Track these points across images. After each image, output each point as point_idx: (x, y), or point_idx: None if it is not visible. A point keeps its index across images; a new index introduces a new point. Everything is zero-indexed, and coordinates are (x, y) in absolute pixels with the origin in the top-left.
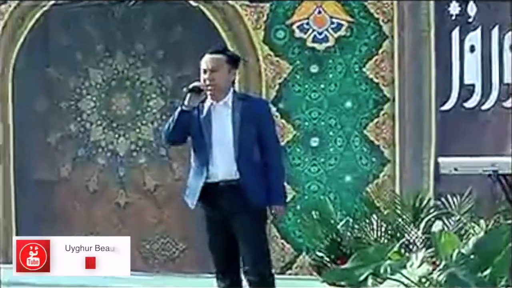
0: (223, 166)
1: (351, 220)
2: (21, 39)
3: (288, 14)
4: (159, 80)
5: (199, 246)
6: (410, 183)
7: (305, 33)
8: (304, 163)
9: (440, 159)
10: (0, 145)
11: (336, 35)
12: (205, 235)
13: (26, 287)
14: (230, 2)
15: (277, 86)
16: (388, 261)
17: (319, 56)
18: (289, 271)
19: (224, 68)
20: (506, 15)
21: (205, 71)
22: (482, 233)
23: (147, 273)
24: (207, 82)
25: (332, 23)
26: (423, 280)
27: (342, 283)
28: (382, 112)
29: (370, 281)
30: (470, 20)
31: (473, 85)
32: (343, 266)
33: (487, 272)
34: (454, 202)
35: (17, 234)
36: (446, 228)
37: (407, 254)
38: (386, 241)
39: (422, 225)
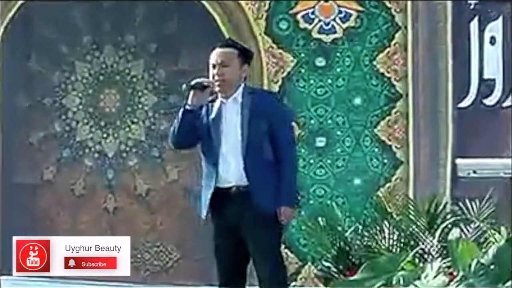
0: (233, 170)
1: (360, 227)
2: (0, 30)
3: (292, 3)
4: (151, 74)
5: (195, 255)
6: (425, 186)
7: (311, 23)
8: (309, 165)
9: (458, 161)
10: None
11: (344, 26)
12: (212, 243)
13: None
14: None
15: (280, 81)
16: (401, 272)
17: (326, 48)
18: (294, 283)
19: (235, 62)
20: None
21: (214, 66)
22: (503, 242)
23: (138, 285)
24: (216, 78)
25: (340, 12)
26: None
27: None
28: (394, 110)
29: None
30: (490, 9)
31: (493, 80)
32: (352, 278)
33: (508, 284)
34: (472, 208)
35: None
36: (464, 236)
37: (421, 264)
38: (398, 250)
39: (438, 233)
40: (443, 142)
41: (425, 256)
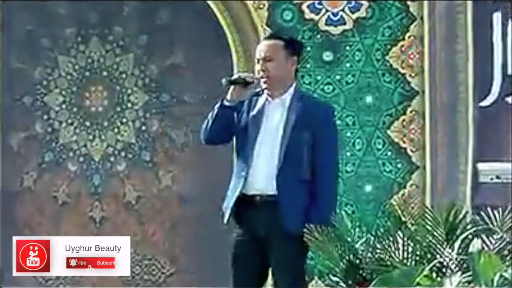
0: (263, 176)
1: (372, 238)
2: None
3: None
4: (142, 70)
5: (190, 268)
6: (443, 193)
7: (317, 14)
8: None
9: (479, 165)
10: None
11: (354, 17)
12: (230, 254)
13: None
14: None
15: None
16: (417, 287)
17: (334, 41)
18: None
19: (281, 55)
20: None
21: (258, 61)
22: None
23: None
24: (260, 74)
25: (350, 2)
26: None
27: None
28: (409, 109)
29: None
30: None
31: None
32: None
33: None
34: (495, 217)
35: None
36: (486, 248)
37: (439, 278)
38: (414, 263)
39: (457, 244)
40: (463, 145)
41: (443, 270)
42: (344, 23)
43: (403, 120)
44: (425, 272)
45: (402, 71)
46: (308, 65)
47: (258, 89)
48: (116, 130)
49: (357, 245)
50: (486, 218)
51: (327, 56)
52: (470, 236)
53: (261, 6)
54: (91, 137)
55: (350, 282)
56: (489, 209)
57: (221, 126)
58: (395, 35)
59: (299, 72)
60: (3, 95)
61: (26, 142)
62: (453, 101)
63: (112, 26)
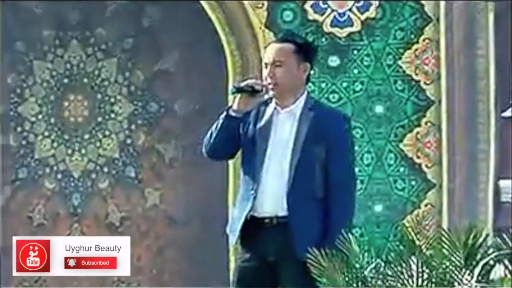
0: (272, 195)
1: (382, 263)
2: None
3: None
4: (127, 76)
5: None
6: (462, 214)
7: (322, 14)
8: None
9: (501, 183)
10: None
11: (362, 17)
12: (232, 280)
13: None
14: None
15: None
16: None
17: (340, 45)
18: None
19: (291, 60)
20: None
21: (266, 65)
22: None
23: None
24: (268, 80)
25: (358, 1)
26: None
27: None
28: (424, 120)
29: None
30: None
31: None
32: None
33: None
34: None
35: None
36: (508, 275)
37: None
38: None
39: (477, 270)
40: (484, 160)
41: None
42: (352, 25)
43: (417, 132)
44: None
45: (416, 78)
46: (312, 71)
47: (265, 98)
48: (98, 143)
49: (365, 272)
50: (508, 242)
51: (333, 61)
52: (491, 262)
53: (260, 5)
54: (70, 151)
55: None
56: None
57: (226, 138)
58: (408, 38)
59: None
60: None
61: None
62: (472, 111)
63: (93, 27)
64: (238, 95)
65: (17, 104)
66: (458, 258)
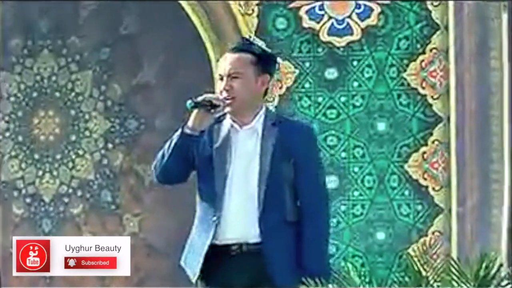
0: (240, 221)
1: None
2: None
3: None
4: (102, 91)
5: None
6: (473, 241)
7: (318, 21)
8: None
9: None
10: None
11: (363, 25)
12: None
13: None
14: None
15: (276, 99)
16: None
17: (339, 55)
18: None
19: (249, 72)
20: None
21: (221, 77)
22: None
23: None
24: (224, 94)
25: (358, 7)
26: None
27: None
28: (431, 138)
29: None
30: None
31: None
32: None
33: None
34: None
35: None
36: None
37: None
38: None
39: None
40: (497, 182)
41: None
42: (351, 33)
43: (424, 152)
44: None
45: (423, 91)
46: (307, 85)
47: (220, 114)
48: (70, 164)
49: None
50: None
51: (330, 73)
52: None
53: (250, 11)
54: (40, 172)
55: None
56: None
57: (179, 159)
58: (413, 48)
59: (300, 93)
60: None
61: None
62: (485, 128)
63: (66, 36)
64: (195, 111)
65: None
66: None
